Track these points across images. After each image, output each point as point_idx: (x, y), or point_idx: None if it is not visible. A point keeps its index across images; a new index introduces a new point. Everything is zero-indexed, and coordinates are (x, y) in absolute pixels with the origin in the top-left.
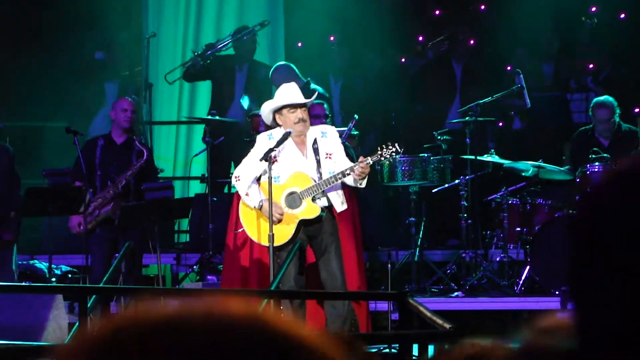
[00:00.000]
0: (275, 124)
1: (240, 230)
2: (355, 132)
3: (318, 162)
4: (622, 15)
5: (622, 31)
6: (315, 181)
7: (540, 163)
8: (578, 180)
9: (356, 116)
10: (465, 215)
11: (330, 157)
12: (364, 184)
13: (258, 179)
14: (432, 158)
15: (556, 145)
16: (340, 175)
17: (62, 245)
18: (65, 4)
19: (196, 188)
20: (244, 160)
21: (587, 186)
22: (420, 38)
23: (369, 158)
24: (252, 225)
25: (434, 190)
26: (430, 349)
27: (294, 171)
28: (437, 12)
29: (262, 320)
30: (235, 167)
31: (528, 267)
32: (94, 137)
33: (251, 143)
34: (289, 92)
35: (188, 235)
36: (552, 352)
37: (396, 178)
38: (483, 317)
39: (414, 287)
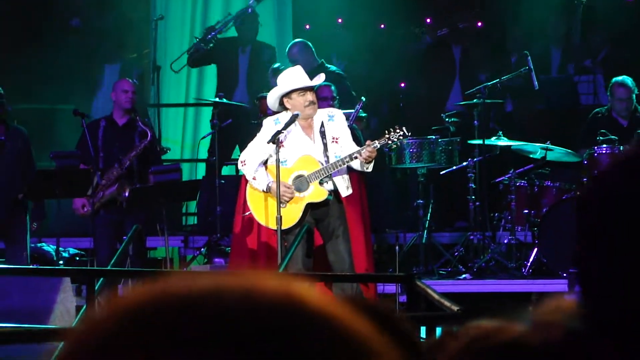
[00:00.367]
0: (282, 110)
1: (247, 213)
2: (364, 114)
3: (325, 145)
4: None
5: (626, 13)
6: (322, 164)
7: (548, 145)
8: (585, 162)
9: (363, 98)
10: (473, 197)
11: (337, 141)
12: (370, 168)
13: (265, 163)
14: (440, 140)
15: (564, 127)
16: (347, 159)
17: (69, 228)
18: None
19: (204, 171)
20: (250, 145)
21: (595, 169)
22: (428, 20)
23: (376, 142)
24: (259, 208)
25: (441, 173)
26: (438, 331)
27: (301, 155)
28: None
29: (300, 299)
30: (240, 150)
31: (536, 249)
32: (95, 119)
33: (258, 126)
34: (296, 76)
35: (196, 218)
36: (559, 331)
37: (404, 160)
38: (491, 299)
39: (421, 269)
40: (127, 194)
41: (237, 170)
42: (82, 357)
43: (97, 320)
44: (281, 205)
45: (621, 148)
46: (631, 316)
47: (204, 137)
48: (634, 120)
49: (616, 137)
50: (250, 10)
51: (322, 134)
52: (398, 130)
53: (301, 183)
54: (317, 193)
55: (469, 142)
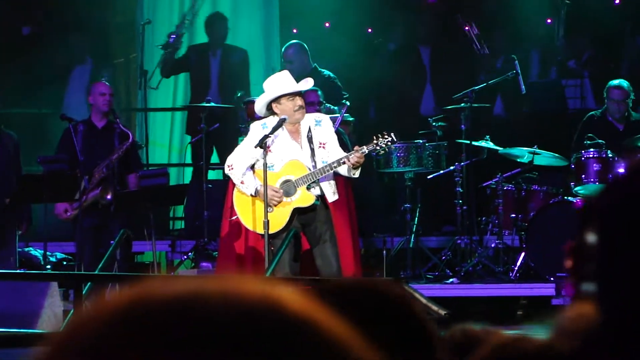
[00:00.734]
0: (269, 115)
1: (234, 217)
2: (351, 119)
3: (312, 150)
4: (617, 1)
5: (611, 15)
6: (310, 169)
7: (535, 149)
8: (573, 166)
9: (347, 102)
10: (461, 201)
11: (324, 147)
12: (357, 174)
13: (252, 167)
14: (427, 144)
15: (551, 132)
16: (335, 164)
17: (57, 233)
18: None
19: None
20: (237, 149)
21: (582, 173)
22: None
23: (364, 147)
24: (246, 213)
25: (429, 177)
26: None
27: (288, 159)
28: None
29: (279, 302)
30: (218, 154)
31: (523, 254)
32: (74, 123)
33: (239, 131)
34: (285, 81)
35: (183, 222)
36: (582, 338)
37: (391, 164)
38: (478, 303)
39: (409, 273)
40: (110, 197)
41: (223, 175)
42: (72, 358)
43: (84, 323)
44: (268, 209)
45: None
46: None
47: (191, 142)
48: (629, 124)
49: (603, 142)
50: (195, 9)
51: (310, 139)
52: (386, 136)
53: (289, 188)
54: (304, 198)
55: (457, 141)
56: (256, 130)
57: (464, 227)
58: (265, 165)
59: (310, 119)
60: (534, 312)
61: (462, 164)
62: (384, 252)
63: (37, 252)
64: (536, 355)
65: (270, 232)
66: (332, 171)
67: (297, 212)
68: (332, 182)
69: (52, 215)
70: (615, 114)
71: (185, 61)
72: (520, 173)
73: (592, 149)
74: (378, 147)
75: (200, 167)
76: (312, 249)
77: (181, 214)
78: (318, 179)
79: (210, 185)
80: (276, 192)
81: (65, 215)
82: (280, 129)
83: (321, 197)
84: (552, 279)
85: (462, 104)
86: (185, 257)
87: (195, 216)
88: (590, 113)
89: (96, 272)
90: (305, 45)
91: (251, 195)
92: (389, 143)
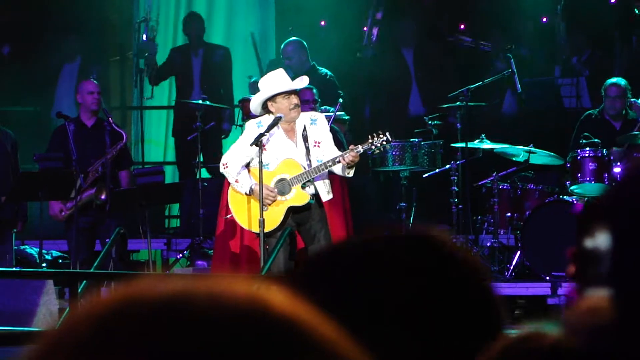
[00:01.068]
0: (264, 114)
1: (229, 216)
2: (346, 117)
3: (307, 149)
4: (613, 0)
5: (609, 14)
6: (305, 168)
7: (530, 148)
8: (569, 165)
9: (340, 100)
10: (456, 200)
11: (318, 145)
12: (351, 173)
13: (247, 166)
14: (422, 143)
15: (547, 130)
16: (330, 163)
17: (52, 231)
18: None
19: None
20: (232, 147)
21: (578, 172)
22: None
23: (359, 146)
24: (241, 212)
25: (424, 175)
26: None
27: (283, 158)
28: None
29: (266, 303)
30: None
31: (518, 253)
32: (63, 123)
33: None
34: (280, 80)
35: (178, 221)
36: (595, 333)
37: (387, 163)
38: None
39: None
40: (104, 197)
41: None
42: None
43: (73, 322)
44: (263, 208)
45: (614, 149)
46: None
47: (188, 139)
48: (626, 123)
49: (599, 141)
50: (149, 10)
51: (305, 138)
52: (382, 136)
53: (283, 186)
54: (299, 197)
55: (452, 145)
56: (251, 128)
57: (459, 226)
58: (260, 163)
59: (305, 118)
60: (530, 311)
61: (458, 162)
62: None
63: (32, 250)
64: (548, 353)
65: (265, 230)
66: (326, 170)
67: (292, 210)
68: (327, 181)
69: (48, 213)
70: (611, 110)
71: (170, 64)
72: (515, 172)
73: (588, 148)
74: (373, 147)
75: (192, 165)
76: (307, 248)
77: (176, 212)
78: (313, 178)
79: (205, 184)
80: (270, 191)
81: (61, 216)
82: (275, 128)
83: (316, 196)
84: (547, 278)
85: (458, 103)
86: (180, 255)
87: (190, 214)
88: (588, 112)
89: (92, 270)
90: (305, 43)
91: (246, 194)
92: (384, 142)
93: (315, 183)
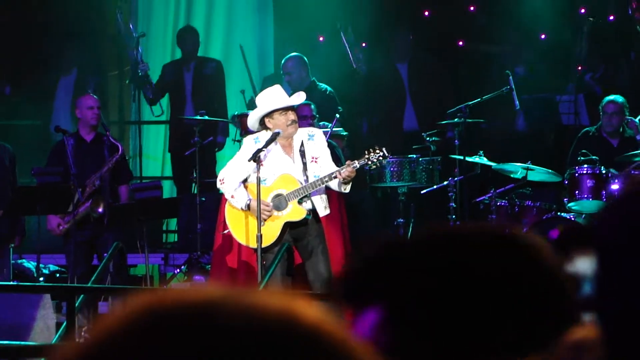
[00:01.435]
0: (261, 129)
1: (226, 231)
2: (344, 133)
3: (304, 165)
4: (611, 17)
5: (612, 32)
6: (302, 184)
7: (528, 165)
8: (566, 182)
9: (337, 115)
10: (454, 216)
11: (316, 161)
12: (348, 189)
13: (244, 181)
14: (420, 159)
15: (545, 147)
16: (326, 178)
17: (50, 245)
18: None
19: (184, 189)
20: (230, 163)
21: (575, 189)
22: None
23: (355, 162)
24: (238, 227)
25: (422, 192)
26: None
27: (280, 173)
28: (427, 13)
29: (295, 315)
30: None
31: None
32: (62, 137)
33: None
34: (277, 96)
35: (176, 235)
36: None
37: (385, 179)
38: None
39: None
40: (101, 210)
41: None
42: None
43: (104, 331)
44: (260, 223)
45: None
46: None
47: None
48: (623, 140)
49: (597, 158)
50: (135, 34)
51: (302, 153)
52: (378, 151)
53: (280, 202)
54: (295, 212)
55: (451, 156)
56: (249, 144)
57: None
58: (258, 179)
59: (303, 133)
60: None
61: (456, 179)
62: None
63: (30, 264)
64: None
65: (262, 246)
66: (323, 185)
67: (289, 226)
68: (324, 196)
69: (45, 227)
70: (608, 127)
71: (163, 81)
72: (513, 189)
73: (585, 165)
74: (369, 162)
75: (189, 180)
76: (304, 264)
77: (174, 227)
78: (309, 193)
79: (203, 199)
80: (266, 206)
81: (58, 230)
82: (272, 143)
83: (313, 212)
84: None
85: (456, 119)
86: (178, 270)
87: (188, 229)
88: (586, 129)
89: (89, 285)
90: (305, 58)
91: (242, 209)
92: (381, 158)
93: (313, 198)
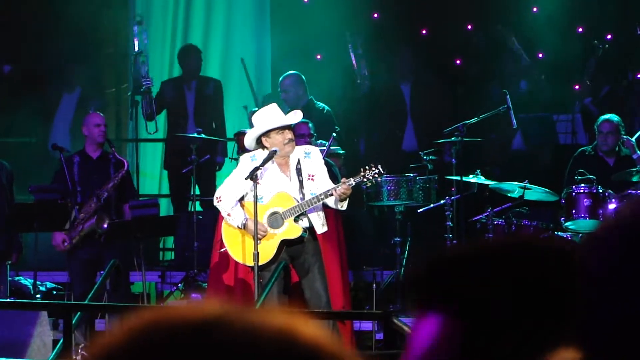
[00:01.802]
0: (258, 148)
1: (223, 249)
2: (342, 152)
3: (301, 182)
4: (609, 37)
5: (617, 54)
6: (298, 201)
7: (525, 184)
8: (563, 201)
9: (334, 134)
10: (451, 235)
11: (312, 179)
12: (344, 206)
13: (241, 199)
14: (417, 178)
15: (542, 166)
16: (322, 196)
17: (47, 262)
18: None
19: (180, 206)
20: (227, 181)
21: (572, 208)
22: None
23: (351, 179)
24: (235, 245)
25: (419, 210)
26: None
27: (277, 191)
28: (424, 32)
29: (296, 334)
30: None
31: None
32: (69, 155)
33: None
34: (274, 115)
35: (173, 253)
36: None
37: (382, 197)
38: None
39: (398, 307)
40: (106, 226)
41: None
42: None
43: (101, 351)
44: (257, 241)
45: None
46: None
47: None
48: (619, 159)
49: (594, 177)
50: (137, 47)
51: (298, 171)
52: (374, 169)
53: (276, 220)
54: (291, 230)
55: (447, 177)
56: (245, 162)
57: None
58: (255, 197)
59: (299, 151)
60: None
61: (453, 198)
62: (374, 285)
63: (27, 282)
64: None
65: (259, 264)
66: (320, 203)
67: (285, 244)
68: (321, 214)
69: (42, 244)
70: (604, 146)
71: (161, 98)
72: (510, 208)
73: (582, 184)
74: (365, 179)
75: (186, 198)
76: (301, 282)
77: (171, 244)
78: (306, 211)
79: (200, 217)
80: (260, 225)
81: (63, 246)
82: (269, 162)
83: (310, 229)
84: None
85: (453, 138)
86: (174, 288)
87: (185, 247)
88: (582, 148)
89: (85, 302)
90: (303, 77)
91: (238, 227)
92: (376, 175)
93: (310, 215)
